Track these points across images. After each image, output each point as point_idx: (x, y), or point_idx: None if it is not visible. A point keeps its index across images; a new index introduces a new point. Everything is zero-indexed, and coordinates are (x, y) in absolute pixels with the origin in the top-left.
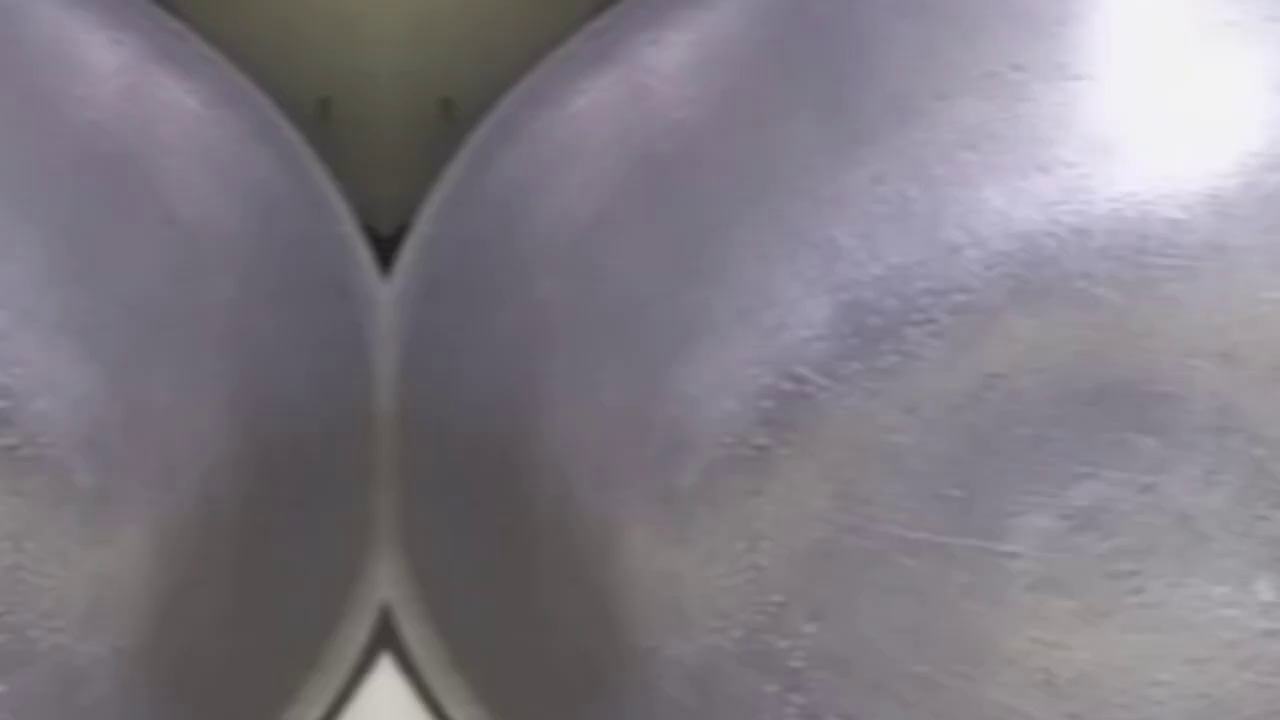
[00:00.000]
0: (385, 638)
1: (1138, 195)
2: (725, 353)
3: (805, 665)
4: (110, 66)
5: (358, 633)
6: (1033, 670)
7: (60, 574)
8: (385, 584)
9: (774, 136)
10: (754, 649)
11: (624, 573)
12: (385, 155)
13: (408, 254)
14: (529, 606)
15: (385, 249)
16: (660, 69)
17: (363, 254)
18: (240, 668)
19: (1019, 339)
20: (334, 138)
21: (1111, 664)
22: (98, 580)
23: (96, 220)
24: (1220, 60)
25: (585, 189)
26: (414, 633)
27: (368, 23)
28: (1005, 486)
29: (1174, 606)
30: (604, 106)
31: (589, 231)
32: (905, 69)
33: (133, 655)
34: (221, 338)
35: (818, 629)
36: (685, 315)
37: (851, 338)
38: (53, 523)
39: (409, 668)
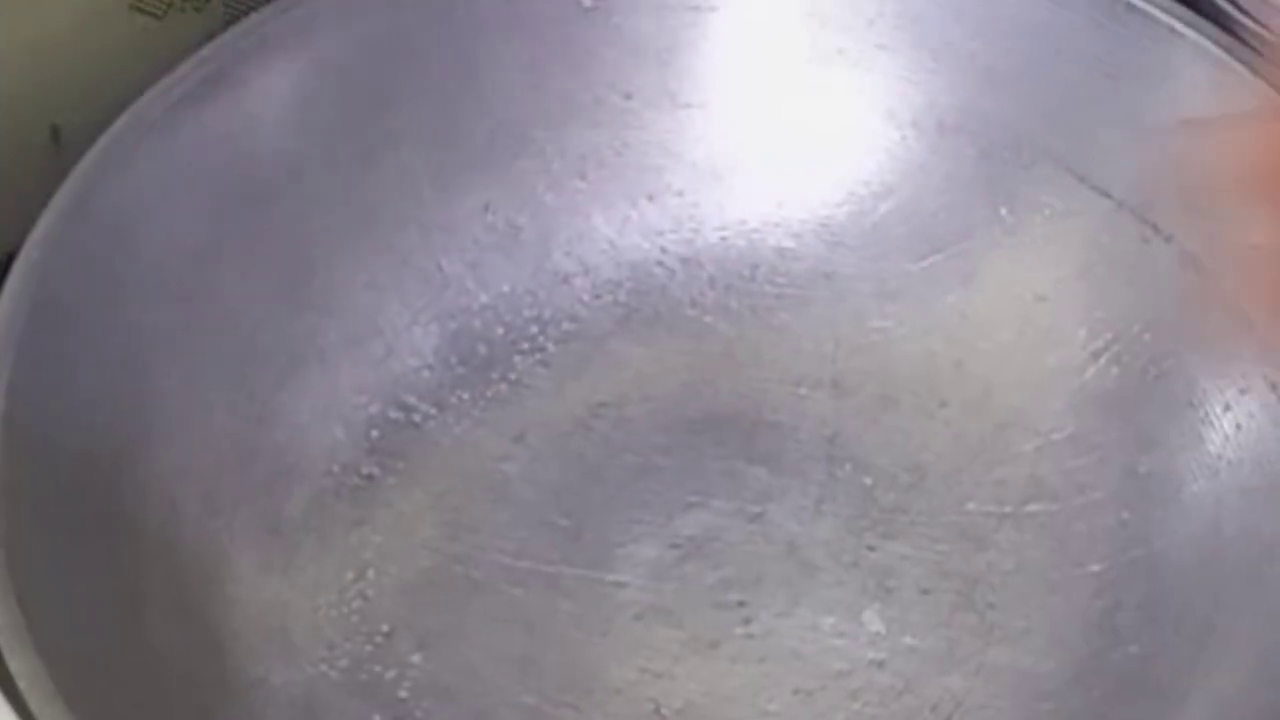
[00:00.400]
0: None
1: (747, 223)
2: (333, 381)
3: (411, 695)
4: None
5: None
6: (641, 700)
7: None
8: None
9: (382, 164)
10: (361, 679)
11: (231, 600)
12: None
13: (13, 281)
14: (137, 634)
15: None
16: (268, 97)
17: None
18: None
19: (627, 367)
20: None
21: (719, 694)
22: None
23: None
24: (831, 88)
25: (193, 216)
26: (19, 665)
27: None
28: (613, 515)
29: (782, 636)
30: (211, 134)
31: (198, 258)
32: (514, 97)
33: None
34: None
35: (424, 659)
36: (293, 342)
37: (459, 366)
38: None
39: (15, 700)
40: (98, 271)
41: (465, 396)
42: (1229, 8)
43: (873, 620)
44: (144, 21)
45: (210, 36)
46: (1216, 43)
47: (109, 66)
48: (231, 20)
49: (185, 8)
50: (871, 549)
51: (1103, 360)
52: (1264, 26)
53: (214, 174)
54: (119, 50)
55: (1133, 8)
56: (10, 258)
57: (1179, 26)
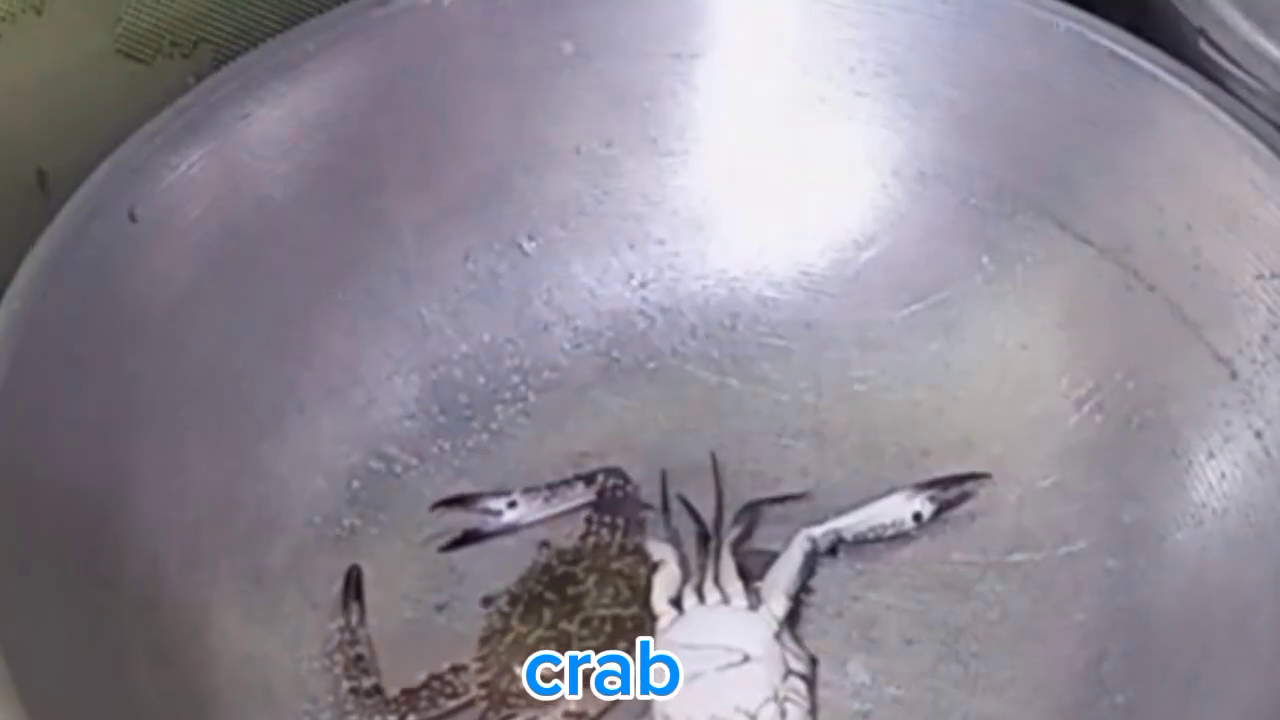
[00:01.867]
0: None
1: (728, 272)
2: (314, 431)
3: None
4: None
5: None
6: None
7: None
8: None
9: (363, 212)
10: None
11: (213, 652)
12: None
13: None
14: (120, 686)
15: None
16: (250, 144)
17: None
18: None
19: (608, 417)
20: None
21: None
22: None
23: None
24: (812, 136)
25: (176, 264)
26: (2, 716)
27: None
28: None
29: None
30: (194, 182)
31: (179, 307)
32: (495, 144)
33: None
34: None
35: None
36: (274, 393)
37: (441, 416)
38: None
39: None
40: (79, 322)
41: (446, 446)
42: (1215, 55)
43: (858, 671)
44: (132, 67)
45: (198, 81)
46: (1200, 90)
47: (96, 111)
48: (219, 66)
49: (173, 53)
50: (856, 599)
51: (1085, 409)
52: (1251, 75)
53: (196, 221)
54: (107, 95)
55: (1115, 55)
56: None
57: (1162, 74)
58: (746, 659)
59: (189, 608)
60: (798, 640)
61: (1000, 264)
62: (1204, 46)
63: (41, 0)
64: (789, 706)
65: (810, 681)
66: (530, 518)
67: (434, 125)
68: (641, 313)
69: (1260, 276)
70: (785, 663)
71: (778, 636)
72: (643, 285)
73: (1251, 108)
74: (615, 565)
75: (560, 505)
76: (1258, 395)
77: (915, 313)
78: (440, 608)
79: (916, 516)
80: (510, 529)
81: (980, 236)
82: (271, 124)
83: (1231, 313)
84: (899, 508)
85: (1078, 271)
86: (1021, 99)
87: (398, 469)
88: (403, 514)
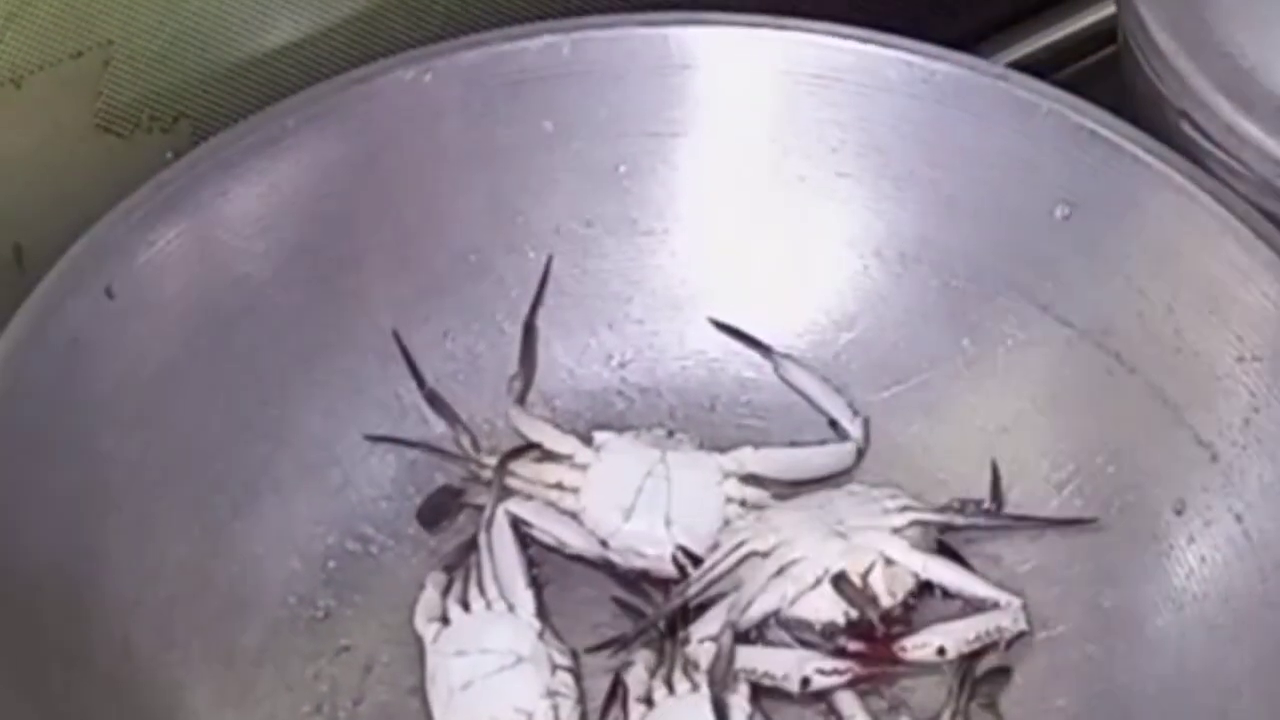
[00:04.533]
0: None
1: (707, 353)
2: (289, 511)
3: None
4: None
5: None
6: None
7: None
8: None
9: (341, 291)
10: None
11: None
12: None
13: None
14: None
15: None
16: (228, 221)
17: None
18: None
19: None
20: None
21: None
22: None
23: None
24: (793, 216)
25: (152, 341)
26: None
27: None
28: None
29: None
30: (171, 258)
31: (154, 384)
32: (473, 223)
33: None
34: None
35: None
36: (249, 472)
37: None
38: None
39: None
40: (54, 399)
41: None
42: (1197, 137)
43: None
44: (110, 141)
45: (177, 156)
46: (1182, 172)
47: (74, 185)
48: (198, 141)
49: (152, 128)
50: None
51: (1066, 492)
52: (1233, 157)
53: (173, 299)
54: (85, 169)
55: (1098, 136)
56: None
57: (1143, 155)
58: (519, 660)
59: (161, 689)
60: (558, 636)
61: (981, 346)
62: (1186, 128)
63: (20, 74)
64: (560, 700)
65: (577, 674)
66: None
67: (413, 203)
68: (620, 393)
69: (1242, 359)
70: (551, 659)
71: (541, 635)
72: (622, 365)
73: (1233, 190)
74: None
75: None
76: (1238, 479)
77: (896, 395)
78: (413, 690)
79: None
80: None
81: (961, 319)
82: (250, 201)
83: (1213, 395)
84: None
85: (1059, 354)
86: (1003, 180)
87: (374, 550)
88: (379, 595)
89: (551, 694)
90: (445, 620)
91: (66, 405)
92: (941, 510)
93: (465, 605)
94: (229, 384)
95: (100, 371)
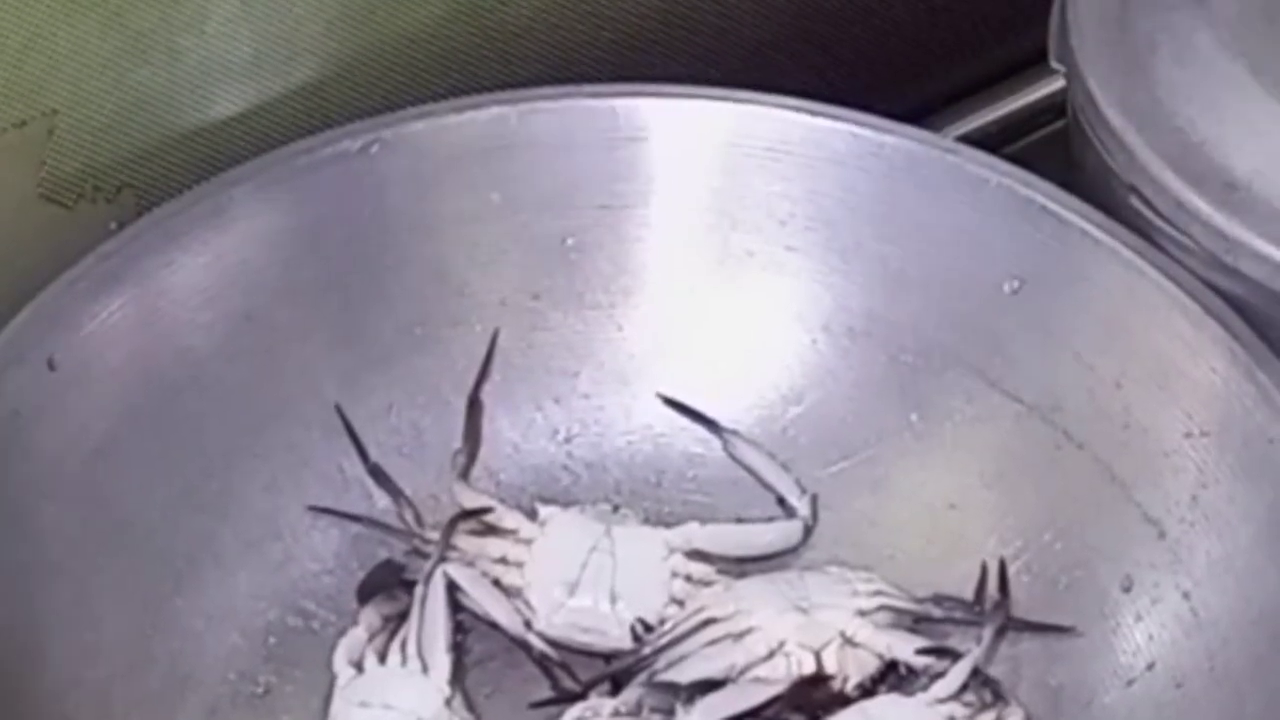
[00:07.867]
0: None
1: (653, 428)
2: (230, 586)
3: None
4: None
5: None
6: None
7: None
8: None
9: (285, 363)
10: None
11: None
12: None
13: None
14: None
15: None
16: (172, 292)
17: None
18: None
19: None
20: None
21: None
22: None
23: None
24: (741, 290)
25: (93, 413)
26: None
27: None
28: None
29: None
30: (115, 329)
31: (95, 457)
32: (419, 295)
33: None
34: None
35: None
36: (189, 546)
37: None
38: None
39: None
40: None
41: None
42: (1146, 211)
43: None
44: (54, 211)
45: (121, 227)
46: (1131, 247)
47: (17, 256)
48: (142, 212)
49: (96, 198)
50: None
51: (1013, 569)
52: (1181, 232)
53: (116, 370)
54: (28, 239)
55: (1047, 211)
56: None
57: (1092, 230)
58: None
59: None
60: (470, 705)
61: (929, 421)
62: (1135, 203)
63: None
64: None
65: None
66: None
67: (358, 275)
68: (566, 468)
69: (1190, 435)
70: None
71: (448, 702)
72: (568, 440)
73: (1182, 264)
74: None
75: None
76: (1186, 556)
77: (843, 470)
78: None
79: None
80: None
81: (909, 393)
82: (195, 272)
83: (1161, 472)
84: None
85: (1007, 430)
86: (952, 254)
87: (315, 625)
88: (320, 671)
89: None
90: (360, 668)
91: (5, 477)
92: (919, 602)
93: (382, 657)
94: (171, 456)
95: (41, 443)
